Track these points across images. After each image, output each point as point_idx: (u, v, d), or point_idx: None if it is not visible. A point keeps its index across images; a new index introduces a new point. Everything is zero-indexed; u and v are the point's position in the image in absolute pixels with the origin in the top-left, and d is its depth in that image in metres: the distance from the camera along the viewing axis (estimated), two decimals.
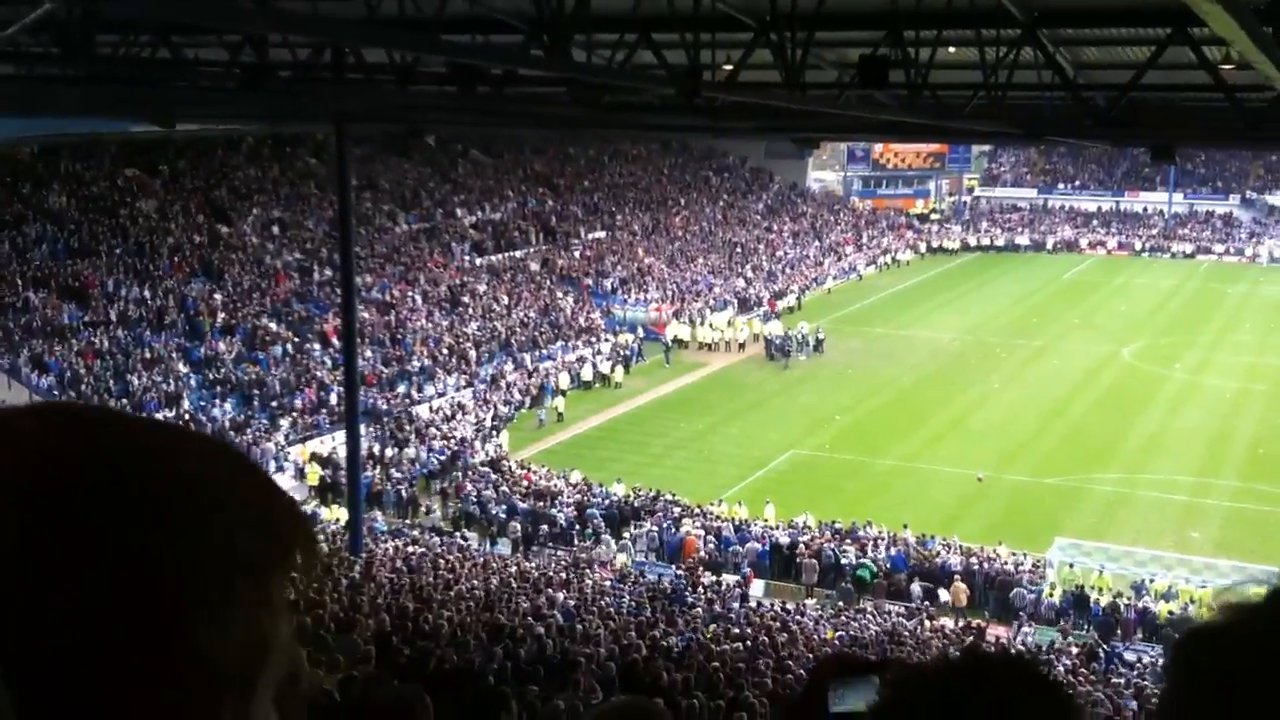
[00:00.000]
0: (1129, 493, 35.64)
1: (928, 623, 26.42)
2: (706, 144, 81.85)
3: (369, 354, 42.07)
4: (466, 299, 51.24)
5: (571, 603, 22.87)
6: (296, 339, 42.62)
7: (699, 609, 24.64)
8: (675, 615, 23.47)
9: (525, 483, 34.79)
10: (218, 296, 43.08)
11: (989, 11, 16.48)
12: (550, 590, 24.03)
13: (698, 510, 32.95)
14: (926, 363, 51.93)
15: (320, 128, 46.79)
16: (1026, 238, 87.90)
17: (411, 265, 51.94)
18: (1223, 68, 16.31)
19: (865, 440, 40.71)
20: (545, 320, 51.92)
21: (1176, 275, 75.84)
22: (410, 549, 28.23)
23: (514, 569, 26.65)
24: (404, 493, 34.80)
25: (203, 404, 37.27)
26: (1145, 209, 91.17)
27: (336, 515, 32.24)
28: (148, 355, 38.34)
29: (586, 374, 47.78)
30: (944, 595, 28.25)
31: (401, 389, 41.65)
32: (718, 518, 32.46)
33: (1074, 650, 24.60)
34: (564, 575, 26.77)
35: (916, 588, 28.42)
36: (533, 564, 28.54)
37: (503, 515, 32.80)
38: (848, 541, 30.45)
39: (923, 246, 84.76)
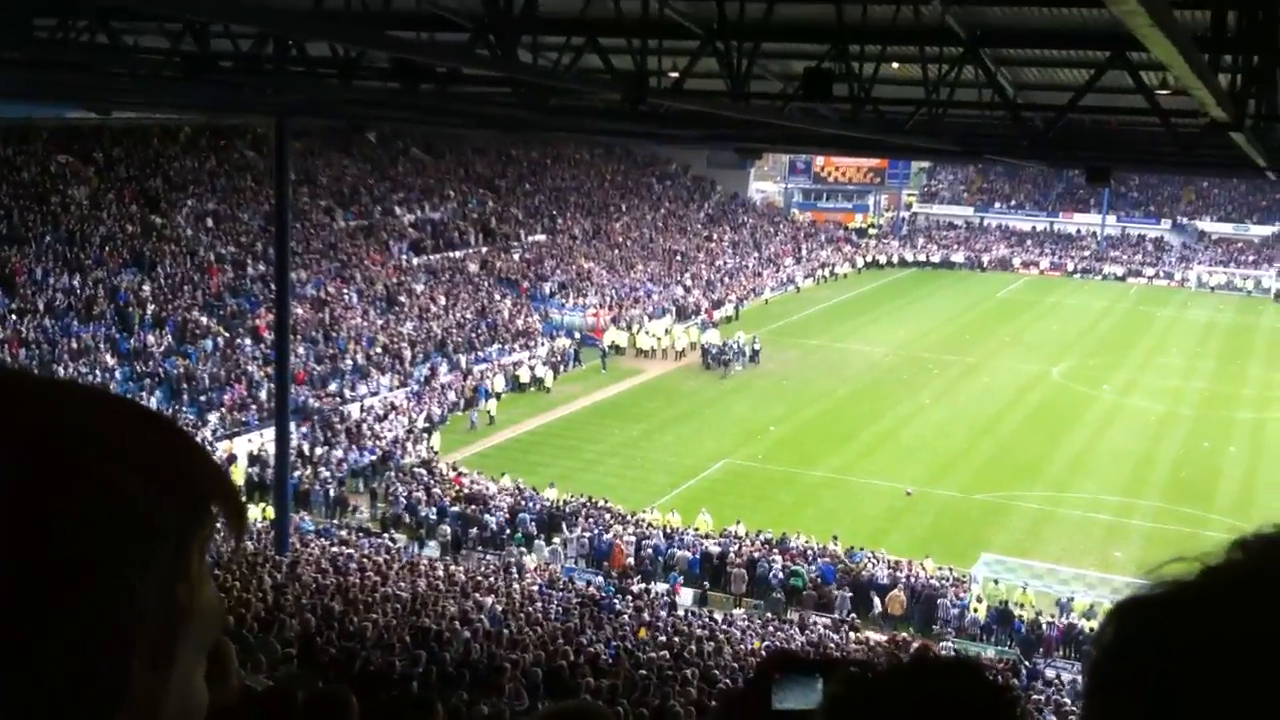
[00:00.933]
0: (1054, 511, 36.12)
1: (852, 634, 26.58)
2: (650, 151, 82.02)
3: (301, 351, 41.56)
4: (403, 298, 50.84)
5: (499, 608, 22.74)
6: (227, 333, 42.01)
7: (626, 616, 24.59)
8: (603, 622, 23.41)
9: (456, 486, 34.51)
10: (148, 288, 42.33)
11: (932, 28, 16.63)
12: (478, 595, 23.87)
13: (629, 517, 32.89)
14: (861, 376, 52.33)
15: (260, 120, 46.34)
16: (962, 255, 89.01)
17: (348, 262, 51.43)
18: (1159, 93, 16.57)
19: (798, 451, 40.91)
20: (482, 322, 51.65)
21: (1107, 297, 77.14)
22: (337, 550, 27.90)
23: (442, 572, 26.43)
24: (333, 492, 34.42)
25: (129, 396, 36.54)
26: (1078, 230, 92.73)
27: (263, 513, 31.79)
28: (75, 346, 37.59)
29: (523, 377, 47.61)
30: (876, 605, 28.48)
31: (333, 387, 41.20)
32: (650, 525, 32.42)
33: (997, 666, 24.84)
34: (493, 580, 26.60)
35: (845, 596, 28.60)
36: (461, 568, 28.31)
37: (432, 518, 32.54)
38: (776, 551, 30.55)
39: (860, 261, 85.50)
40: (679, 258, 71.35)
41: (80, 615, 0.80)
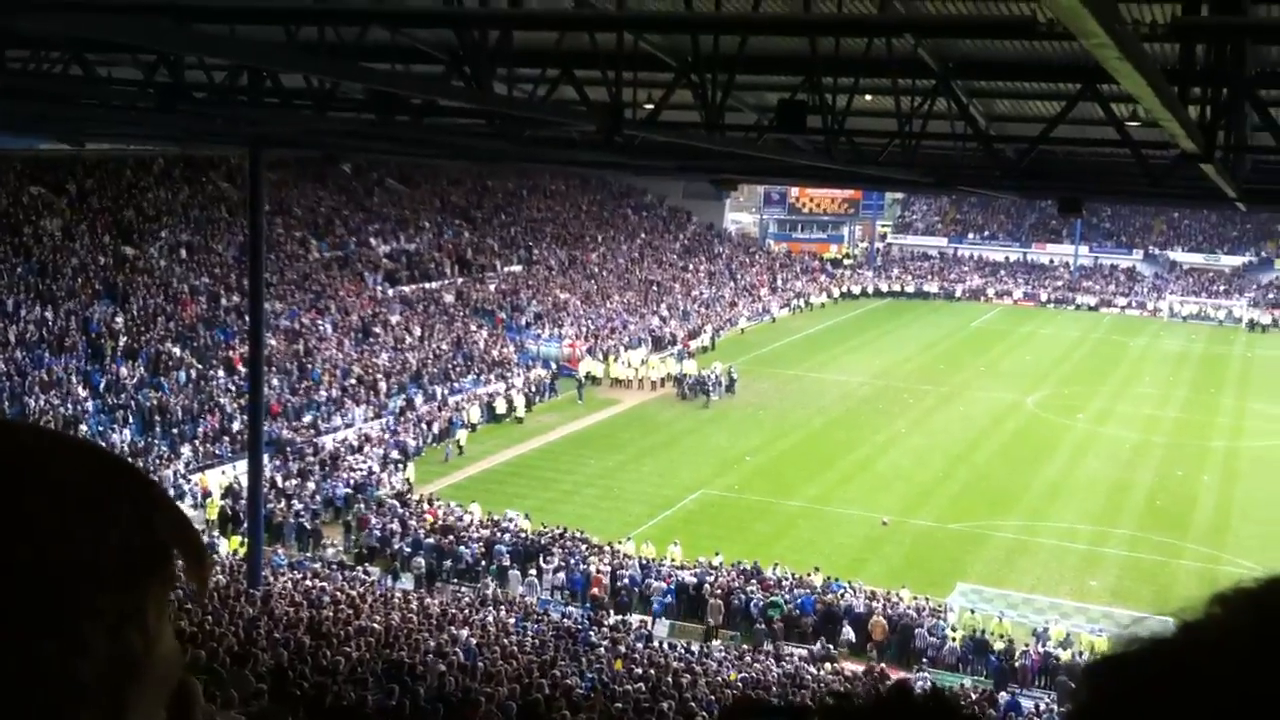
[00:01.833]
0: (1030, 540, 36.18)
1: (829, 666, 26.48)
2: (625, 182, 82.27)
3: (275, 382, 41.33)
4: (378, 329, 50.69)
5: (474, 641, 22.55)
6: (201, 365, 41.75)
7: (602, 649, 24.43)
8: (579, 654, 23.26)
9: (430, 518, 34.30)
10: (120, 320, 42.06)
11: (905, 60, 16.74)
12: (453, 628, 23.68)
13: (605, 548, 32.75)
14: (836, 406, 52.43)
15: (234, 151, 46.20)
16: (936, 285, 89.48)
17: (322, 293, 51.27)
18: (1130, 124, 16.72)
19: (774, 481, 40.89)
20: (458, 353, 51.53)
21: (1080, 326, 77.64)
22: (311, 583, 27.64)
23: (416, 605, 26.22)
24: (306, 525, 34.14)
25: (101, 429, 36.27)
26: (1051, 261, 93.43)
27: (236, 546, 31.51)
28: (46, 378, 37.27)
29: (499, 408, 47.49)
30: (847, 633, 28.39)
31: (308, 419, 40.97)
32: (626, 556, 32.29)
33: (973, 696, 24.79)
34: (467, 613, 26.40)
35: (842, 634, 28.51)
36: (436, 600, 28.09)
37: (407, 550, 32.31)
38: (754, 582, 30.46)
39: (835, 291, 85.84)
40: (655, 288, 71.47)
41: (28, 666, 0.78)
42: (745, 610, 29.44)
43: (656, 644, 26.85)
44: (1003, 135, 22.21)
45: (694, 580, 30.56)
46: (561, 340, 57.37)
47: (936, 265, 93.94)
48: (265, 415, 32.47)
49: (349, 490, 36.10)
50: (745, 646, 27.92)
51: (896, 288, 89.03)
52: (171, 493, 24.30)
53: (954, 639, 28.56)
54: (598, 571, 30.92)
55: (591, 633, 26.18)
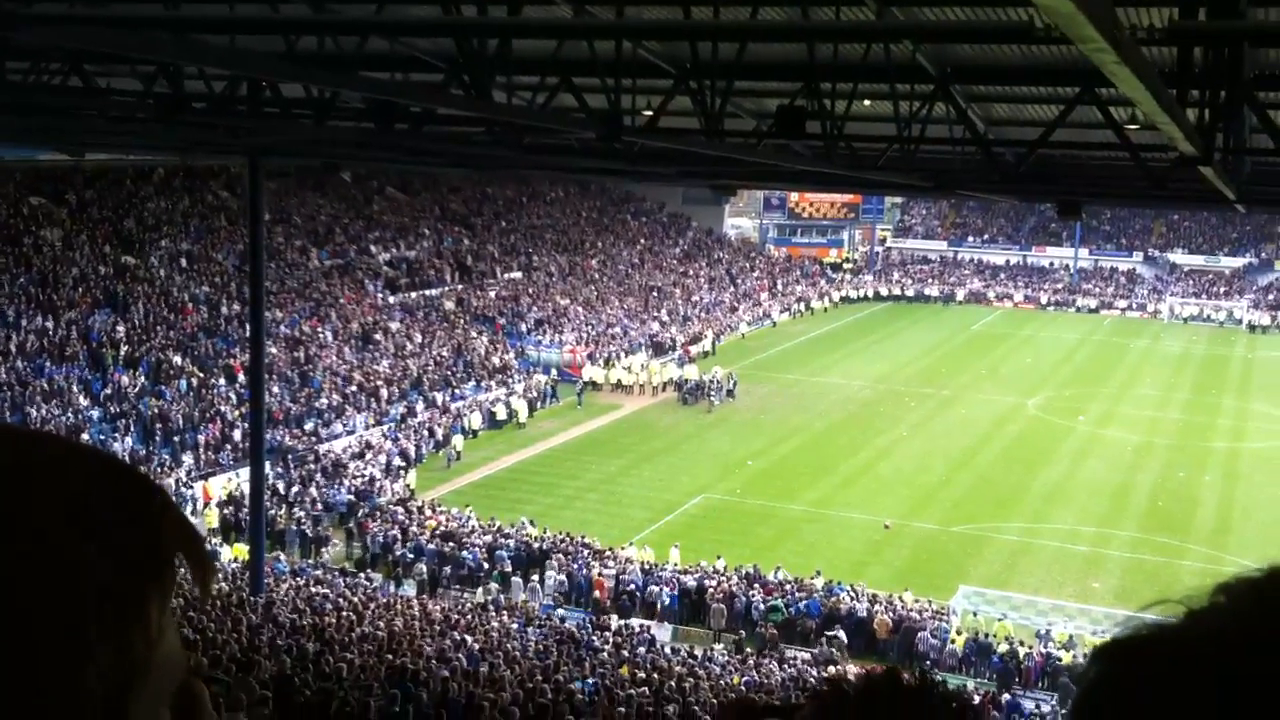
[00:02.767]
0: (1032, 542, 36.19)
1: (832, 669, 26.48)
2: (625, 188, 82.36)
3: (276, 390, 41.37)
4: (379, 336, 50.72)
5: (477, 646, 22.57)
6: (202, 373, 41.77)
7: (605, 654, 24.45)
8: (583, 659, 23.28)
9: (432, 523, 34.32)
10: (121, 329, 42.10)
11: (903, 66, 16.78)
12: (455, 633, 23.70)
13: (607, 553, 32.76)
14: (837, 410, 52.44)
15: (234, 160, 46.25)
16: (936, 289, 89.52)
17: (323, 301, 51.32)
18: (1128, 128, 16.75)
19: (776, 486, 40.91)
20: (458, 360, 51.56)
21: (1080, 329, 77.65)
22: (313, 590, 27.67)
23: (419, 611, 26.24)
24: (308, 532, 34.17)
25: (103, 438, 36.28)
26: (1051, 264, 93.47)
27: (238, 553, 31.55)
28: (48, 387, 37.31)
29: (500, 414, 47.52)
30: (839, 634, 28.38)
31: (309, 426, 40.99)
32: (628, 560, 32.30)
33: (976, 698, 24.79)
34: (470, 618, 26.41)
35: (832, 632, 28.51)
36: (438, 606, 28.11)
37: (409, 556, 32.32)
38: (756, 586, 30.47)
39: (836, 295, 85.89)
40: (655, 293, 71.51)
41: (35, 674, 0.80)
42: (747, 614, 29.44)
43: (659, 648, 26.87)
44: (1001, 139, 22.25)
45: (695, 584, 30.57)
46: (562, 346, 57.40)
47: (936, 269, 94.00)
48: (266, 423, 32.50)
49: (350, 497, 36.12)
50: (748, 650, 27.93)
51: (897, 291, 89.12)
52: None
53: (956, 641, 28.57)
54: (600, 576, 30.93)
55: (594, 638, 26.19)
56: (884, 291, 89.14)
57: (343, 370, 46.07)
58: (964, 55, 17.35)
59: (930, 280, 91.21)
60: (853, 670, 26.47)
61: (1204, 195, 19.72)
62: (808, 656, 27.53)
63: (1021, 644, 28.21)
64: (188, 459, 36.94)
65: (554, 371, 54.42)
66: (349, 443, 40.96)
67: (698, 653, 26.70)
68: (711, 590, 30.09)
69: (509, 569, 31.69)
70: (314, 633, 21.32)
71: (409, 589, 30.91)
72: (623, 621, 28.84)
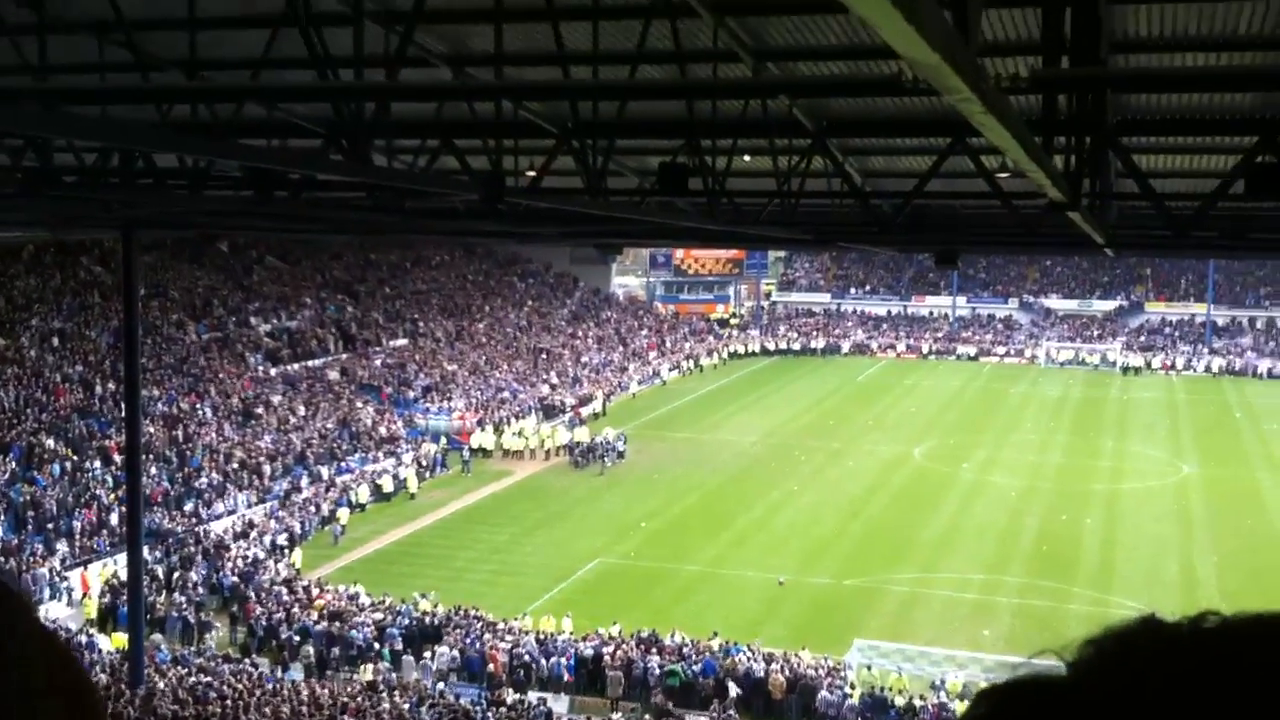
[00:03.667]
0: (924, 592, 36.55)
1: None
2: (511, 250, 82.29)
3: (154, 471, 40.12)
4: (260, 411, 49.58)
5: None
6: (76, 456, 40.33)
7: None
8: None
9: (320, 603, 33.36)
10: None
11: (781, 120, 17.02)
12: (345, 718, 22.99)
13: (502, 625, 32.18)
14: (730, 466, 52.63)
15: (108, 234, 45.11)
16: (821, 341, 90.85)
17: (201, 376, 50.05)
18: (1000, 176, 17.18)
19: (671, 546, 40.77)
20: (344, 431, 50.64)
21: (962, 376, 79.33)
22: (196, 679, 26.62)
23: (307, 696, 25.40)
24: (190, 618, 32.92)
25: None
26: (931, 313, 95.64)
27: (117, 643, 30.30)
28: None
29: (387, 485, 46.68)
30: (734, 690, 28.17)
31: (189, 507, 39.77)
32: (522, 632, 31.75)
33: None
34: (359, 700, 25.64)
35: (733, 691, 28.29)
36: (325, 689, 27.20)
37: (295, 638, 31.32)
38: (653, 651, 30.14)
39: (724, 351, 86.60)
40: (544, 356, 71.32)
41: None
42: (644, 680, 29.10)
43: None
44: (878, 191, 22.69)
45: (592, 652, 30.13)
46: (451, 413, 56.78)
47: (821, 321, 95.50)
48: (144, 505, 31.43)
49: (233, 579, 34.99)
50: (646, 717, 27.57)
51: (784, 345, 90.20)
52: (47, 592, 23.14)
53: (853, 696, 28.55)
54: (493, 649, 30.31)
55: (489, 714, 25.62)
56: (771, 346, 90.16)
57: (223, 447, 44.88)
58: (839, 109, 17.67)
59: (815, 333, 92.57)
60: None
61: (1074, 240, 20.29)
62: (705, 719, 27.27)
63: (921, 697, 28.30)
64: (62, 546, 35.52)
65: (443, 439, 53.74)
66: (231, 523, 39.81)
67: None
68: (608, 658, 29.68)
69: (400, 647, 30.91)
70: None
71: (296, 673, 29.90)
72: (518, 696, 28.22)
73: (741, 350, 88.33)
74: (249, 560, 36.38)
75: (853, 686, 28.86)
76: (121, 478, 35.73)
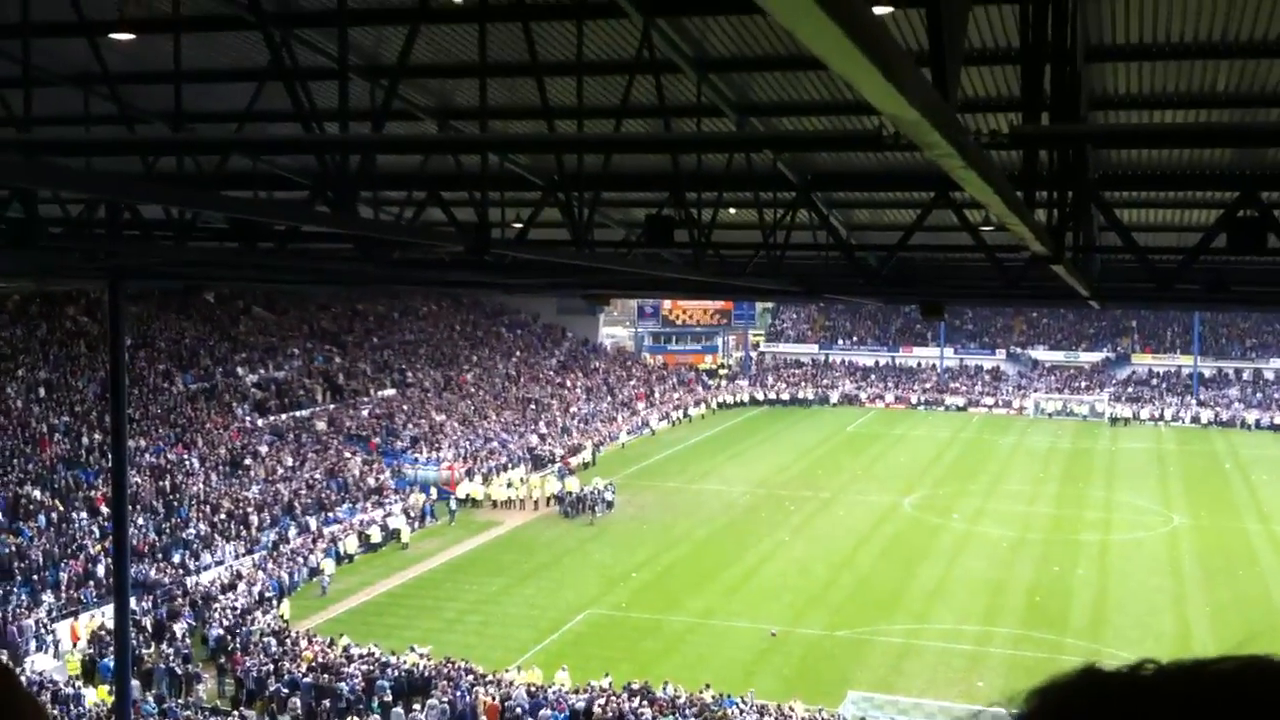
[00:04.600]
0: (916, 643, 36.31)
1: None
2: (498, 300, 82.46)
3: (141, 522, 39.85)
4: (248, 461, 49.36)
5: None
6: (62, 507, 40.06)
7: None
8: None
9: (308, 655, 33.06)
10: None
11: (766, 174, 17.12)
12: None
13: (491, 677, 31.88)
14: (719, 516, 52.44)
15: (93, 284, 45.09)
16: (810, 391, 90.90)
17: (188, 427, 49.86)
18: (983, 229, 17.26)
19: (661, 597, 40.53)
20: (332, 481, 50.39)
21: (950, 427, 79.38)
22: None
23: None
24: (177, 670, 32.59)
25: None
26: (919, 364, 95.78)
27: (103, 696, 29.96)
28: None
29: (375, 536, 46.42)
30: None
31: (176, 558, 39.47)
32: (513, 684, 31.45)
33: None
34: None
35: None
36: None
37: (284, 691, 31.02)
38: (645, 703, 29.88)
39: (713, 401, 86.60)
40: (533, 406, 71.22)
41: None
42: None
43: None
44: (864, 244, 22.79)
45: (584, 705, 29.85)
46: (440, 463, 56.59)
47: (809, 371, 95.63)
48: (131, 556, 31.18)
49: (221, 631, 34.69)
50: None
51: (772, 395, 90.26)
52: (33, 644, 22.84)
53: None
54: (484, 702, 30.02)
55: None
56: (759, 396, 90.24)
57: (210, 498, 44.63)
58: (823, 163, 17.79)
59: (804, 383, 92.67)
60: None
61: (1060, 293, 20.37)
62: None
63: None
64: (48, 598, 35.19)
65: (432, 490, 53.51)
66: (218, 574, 39.50)
67: None
68: (599, 710, 29.40)
69: (389, 699, 30.62)
70: None
71: None
72: None
73: (730, 400, 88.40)
74: (237, 611, 36.07)
75: None
76: (108, 528, 35.44)
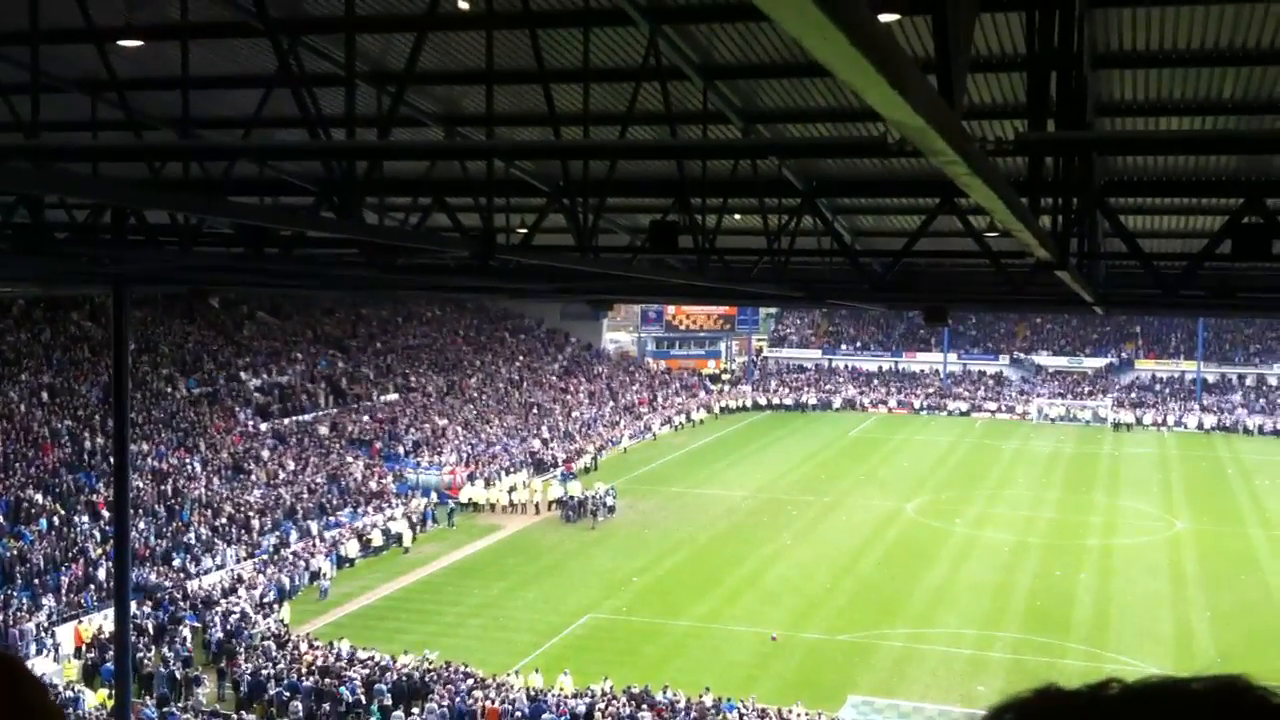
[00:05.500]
0: (917, 647, 36.30)
1: None
2: (502, 305, 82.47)
3: (142, 526, 39.87)
4: (250, 465, 49.38)
5: None
6: (64, 511, 40.09)
7: None
8: None
9: (308, 658, 33.07)
10: None
11: (771, 180, 17.14)
12: None
13: (491, 681, 31.89)
14: (721, 520, 52.43)
15: (98, 290, 45.16)
16: (813, 396, 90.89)
17: (191, 431, 49.89)
18: (988, 235, 17.28)
19: (663, 601, 40.52)
20: (334, 486, 50.40)
21: (953, 432, 79.34)
22: None
23: None
24: (178, 674, 32.60)
25: None
26: (922, 369, 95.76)
27: (103, 699, 29.97)
28: None
29: (375, 540, 46.44)
30: None
31: (177, 562, 39.48)
32: (513, 688, 31.45)
33: None
34: None
35: None
36: None
37: (284, 695, 31.03)
38: (645, 707, 29.87)
39: (716, 406, 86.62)
40: (535, 410, 71.22)
41: None
42: None
43: None
44: (868, 249, 22.81)
45: (584, 709, 29.85)
46: (442, 468, 56.61)
47: (812, 377, 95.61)
48: (132, 560, 31.20)
49: (221, 635, 34.70)
50: None
51: (775, 400, 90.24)
52: (33, 648, 22.86)
53: None
54: (492, 705, 30.02)
55: None
56: (763, 401, 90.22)
57: (212, 502, 44.65)
58: (828, 169, 17.81)
59: (807, 388, 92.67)
60: None
61: (1064, 298, 20.38)
62: None
63: None
64: (49, 601, 35.20)
65: (433, 494, 53.54)
66: (219, 578, 39.52)
67: None
68: (600, 714, 29.40)
69: (388, 702, 30.62)
70: None
71: None
72: None
73: (733, 405, 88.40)
74: (237, 615, 36.09)
75: None
76: (109, 532, 35.46)
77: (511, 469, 58.79)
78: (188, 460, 47.30)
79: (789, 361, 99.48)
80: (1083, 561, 45.96)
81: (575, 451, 64.71)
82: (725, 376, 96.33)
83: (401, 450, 58.05)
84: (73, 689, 30.82)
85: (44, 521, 38.90)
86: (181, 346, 56.59)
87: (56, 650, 33.44)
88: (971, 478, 62.98)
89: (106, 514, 38.71)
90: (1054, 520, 52.97)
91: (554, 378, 79.73)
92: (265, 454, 51.25)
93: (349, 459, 54.26)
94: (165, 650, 33.63)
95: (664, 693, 30.73)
